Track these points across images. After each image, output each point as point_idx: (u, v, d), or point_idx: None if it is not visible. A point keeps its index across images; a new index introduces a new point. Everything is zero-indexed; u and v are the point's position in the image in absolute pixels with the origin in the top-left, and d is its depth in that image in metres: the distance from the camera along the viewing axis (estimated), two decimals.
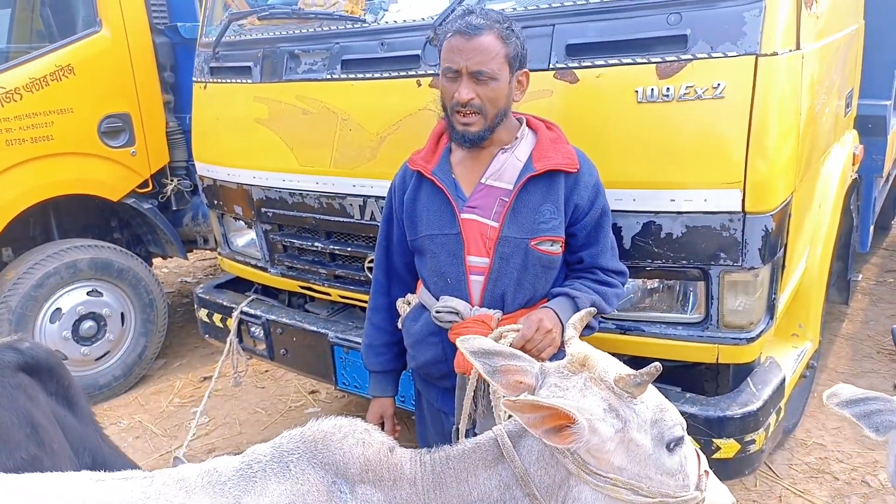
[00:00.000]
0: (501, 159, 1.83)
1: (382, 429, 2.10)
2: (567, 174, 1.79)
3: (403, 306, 2.01)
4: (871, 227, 3.63)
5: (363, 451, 1.24)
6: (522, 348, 1.66)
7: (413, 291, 2.02)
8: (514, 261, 1.79)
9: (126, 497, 1.16)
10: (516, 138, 1.84)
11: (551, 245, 1.79)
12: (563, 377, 1.25)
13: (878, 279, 5.59)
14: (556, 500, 1.22)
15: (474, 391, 1.76)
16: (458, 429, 1.84)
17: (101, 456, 1.93)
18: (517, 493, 1.22)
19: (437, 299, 1.87)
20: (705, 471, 1.32)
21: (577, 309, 1.79)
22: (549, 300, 1.85)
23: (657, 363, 1.15)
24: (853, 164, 3.04)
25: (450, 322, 1.82)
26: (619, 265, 1.91)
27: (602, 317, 1.96)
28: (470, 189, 1.84)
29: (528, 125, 1.89)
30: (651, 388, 1.23)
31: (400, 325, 2.03)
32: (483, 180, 1.83)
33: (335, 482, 1.21)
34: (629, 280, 2.02)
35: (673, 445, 1.22)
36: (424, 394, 2.06)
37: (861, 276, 5.46)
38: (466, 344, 1.41)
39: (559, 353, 1.87)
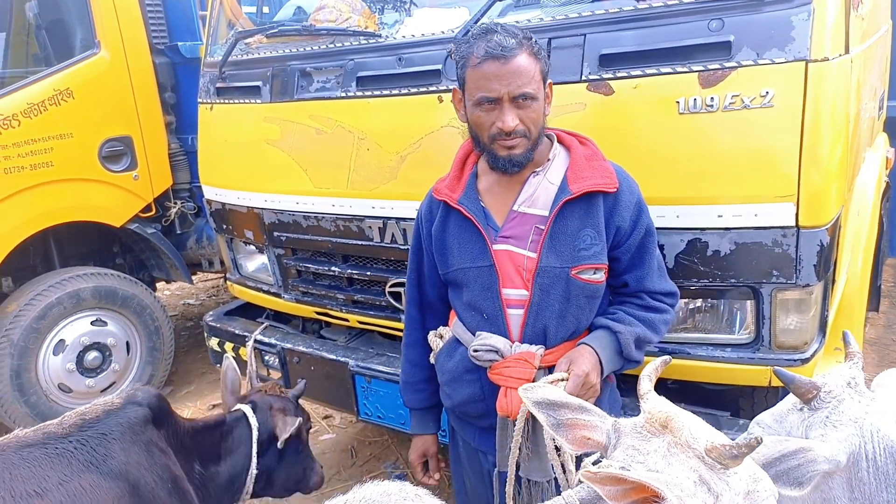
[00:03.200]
0: (534, 183, 1.69)
1: (426, 468, 1.98)
2: (606, 194, 1.65)
3: (436, 340, 1.89)
4: None
5: None
6: None
7: (447, 323, 1.90)
8: (555, 292, 1.65)
9: None
10: (548, 159, 1.71)
11: (594, 273, 1.66)
12: (643, 439, 1.11)
13: None
14: None
15: (524, 435, 1.63)
16: (499, 472, 1.71)
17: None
18: None
19: (474, 334, 1.74)
20: None
21: (620, 346, 1.67)
22: (590, 331, 1.73)
23: (757, 435, 1.01)
24: (886, 169, 2.94)
25: (489, 361, 1.69)
26: (668, 286, 1.77)
27: None
28: (501, 217, 1.71)
29: (560, 142, 1.75)
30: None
31: (432, 360, 1.91)
32: (515, 207, 1.70)
33: None
34: None
35: None
36: (460, 432, 1.92)
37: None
38: (530, 394, 1.28)
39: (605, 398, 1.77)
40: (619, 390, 1.92)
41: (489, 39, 1.57)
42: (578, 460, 1.51)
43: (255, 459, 2.13)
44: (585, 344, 1.66)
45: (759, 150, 1.81)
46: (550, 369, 1.67)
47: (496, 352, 1.68)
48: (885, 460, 1.28)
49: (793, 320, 1.96)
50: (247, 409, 2.20)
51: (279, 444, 2.16)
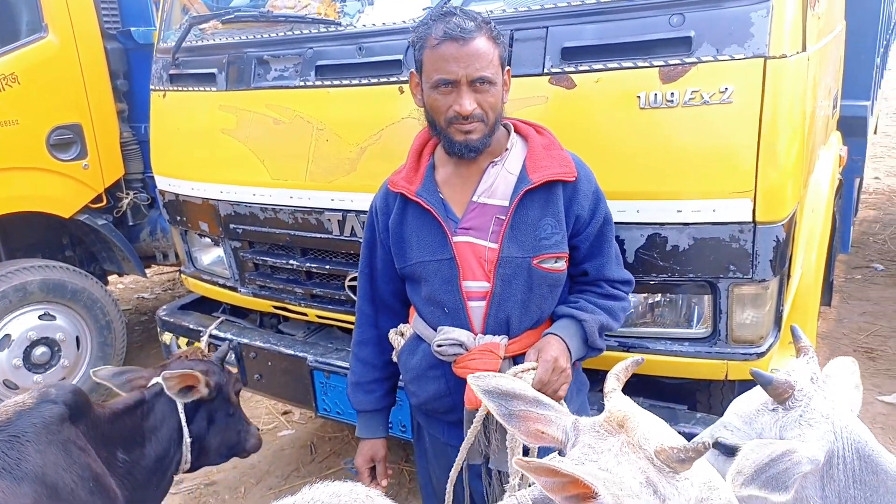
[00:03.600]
0: (493, 174, 1.67)
1: (374, 472, 1.94)
2: (565, 183, 1.65)
3: (397, 338, 1.85)
4: (851, 228, 3.61)
5: None
6: (539, 391, 1.53)
7: (404, 320, 1.87)
8: (517, 282, 1.64)
9: None
10: (506, 149, 1.69)
11: (555, 262, 1.66)
12: (599, 437, 1.09)
13: (847, 276, 5.65)
14: None
15: (486, 425, 1.62)
16: (468, 465, 1.69)
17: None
18: None
19: (435, 329, 1.71)
20: None
21: (585, 333, 1.67)
22: (552, 320, 1.72)
23: (706, 440, 0.99)
24: (839, 166, 3.01)
25: (454, 355, 1.66)
26: (624, 274, 1.78)
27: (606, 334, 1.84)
28: (461, 209, 1.69)
29: (517, 131, 1.74)
30: (700, 461, 1.06)
31: (395, 359, 1.87)
32: (475, 198, 1.67)
33: None
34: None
35: None
36: (427, 428, 1.89)
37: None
38: (480, 382, 1.25)
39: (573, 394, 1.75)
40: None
41: (448, 21, 1.54)
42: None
43: (186, 428, 2.06)
44: (552, 333, 1.65)
45: (718, 145, 1.82)
46: (515, 359, 1.67)
47: (460, 345, 1.66)
48: (853, 456, 1.29)
49: (749, 315, 1.98)
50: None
51: (186, 400, 2.08)
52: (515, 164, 1.67)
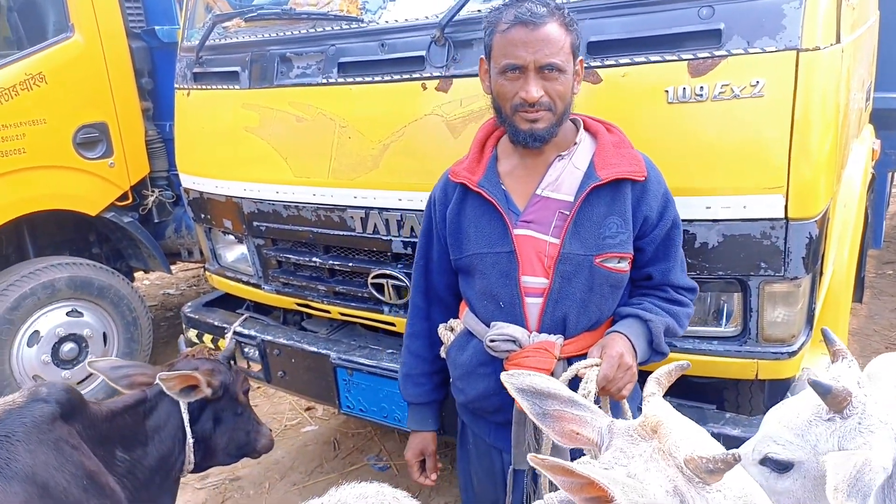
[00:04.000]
0: (559, 167, 1.62)
1: (423, 467, 1.91)
2: (634, 183, 1.59)
3: (447, 333, 1.81)
4: (884, 223, 3.53)
5: None
6: (603, 389, 1.50)
7: (455, 315, 1.83)
8: (577, 281, 1.59)
9: None
10: (574, 143, 1.65)
11: (618, 262, 1.59)
12: (632, 442, 1.06)
13: (878, 272, 5.54)
14: None
15: (535, 428, 1.58)
16: (514, 470, 1.65)
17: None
18: None
19: (488, 325, 1.67)
20: None
21: (651, 334, 1.62)
22: (614, 320, 1.67)
23: (736, 452, 0.96)
24: (871, 160, 2.93)
25: (507, 351, 1.62)
26: (689, 281, 1.71)
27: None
28: (523, 202, 1.64)
29: (586, 128, 1.69)
30: (735, 473, 1.02)
31: (443, 354, 1.84)
32: (538, 192, 1.62)
33: None
34: None
35: None
36: (473, 428, 1.84)
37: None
38: (514, 380, 1.23)
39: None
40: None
41: (519, 6, 1.51)
42: None
43: (188, 429, 2.04)
44: (616, 331, 1.61)
45: (749, 140, 1.78)
46: (570, 360, 1.62)
47: (514, 341, 1.61)
48: None
49: (780, 313, 1.93)
50: None
51: (188, 400, 2.05)
52: (583, 159, 1.63)
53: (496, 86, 1.59)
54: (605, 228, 1.57)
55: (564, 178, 1.61)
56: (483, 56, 1.65)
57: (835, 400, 1.32)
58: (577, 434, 1.17)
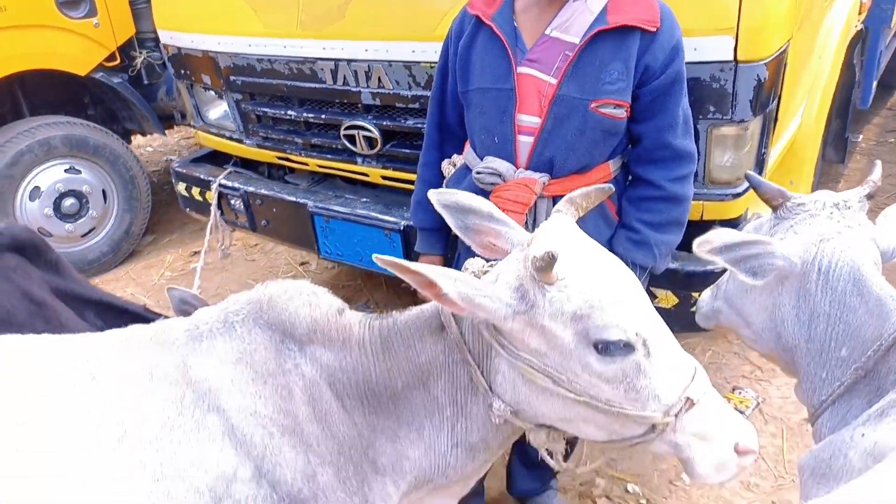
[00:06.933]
0: (572, 8, 1.59)
1: None
2: (644, 32, 1.55)
3: (448, 168, 1.88)
4: (875, 84, 3.46)
5: (310, 312, 1.19)
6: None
7: (462, 151, 1.88)
8: (569, 123, 1.60)
9: (72, 357, 1.14)
10: None
11: (614, 108, 1.59)
12: (520, 251, 1.16)
13: (879, 139, 5.46)
14: (484, 368, 1.18)
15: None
16: None
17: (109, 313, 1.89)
18: (458, 358, 1.19)
19: (482, 160, 1.73)
20: (688, 398, 1.10)
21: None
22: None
23: (553, 249, 1.02)
24: (859, 13, 2.84)
25: (491, 184, 1.69)
26: (688, 145, 1.65)
27: None
28: (532, 40, 1.63)
29: None
30: (588, 281, 1.08)
31: (444, 188, 1.90)
32: (547, 31, 1.61)
33: (283, 341, 1.18)
34: None
35: (603, 348, 1.07)
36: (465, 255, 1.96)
37: (861, 136, 5.32)
38: (440, 196, 1.31)
39: None
40: None
41: None
42: None
43: None
44: None
45: None
46: (555, 200, 1.65)
47: (499, 175, 1.68)
48: (841, 277, 1.27)
49: (728, 156, 1.98)
50: None
51: None
52: (598, 3, 1.59)
53: None
54: (606, 74, 1.57)
55: (576, 19, 1.60)
56: None
57: (764, 195, 1.40)
58: (494, 245, 1.27)
